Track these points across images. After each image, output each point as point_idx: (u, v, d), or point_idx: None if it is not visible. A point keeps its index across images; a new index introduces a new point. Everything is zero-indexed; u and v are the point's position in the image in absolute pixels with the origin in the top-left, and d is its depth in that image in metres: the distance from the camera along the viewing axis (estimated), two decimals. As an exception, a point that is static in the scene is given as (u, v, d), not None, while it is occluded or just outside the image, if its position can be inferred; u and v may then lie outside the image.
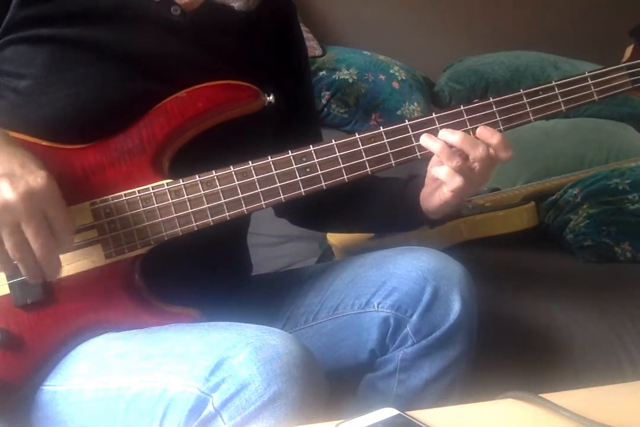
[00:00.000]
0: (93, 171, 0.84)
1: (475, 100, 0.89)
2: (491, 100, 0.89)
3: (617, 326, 1.29)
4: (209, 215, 0.84)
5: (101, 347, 0.81)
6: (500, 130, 0.88)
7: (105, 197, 0.83)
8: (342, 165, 0.86)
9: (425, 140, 0.86)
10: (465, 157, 0.85)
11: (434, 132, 0.87)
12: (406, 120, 0.88)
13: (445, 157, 0.85)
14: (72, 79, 0.86)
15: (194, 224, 0.84)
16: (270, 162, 0.85)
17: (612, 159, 2.04)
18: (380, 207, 1.04)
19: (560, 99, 0.90)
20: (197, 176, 0.84)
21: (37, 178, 0.72)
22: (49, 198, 0.73)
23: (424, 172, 0.93)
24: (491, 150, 0.86)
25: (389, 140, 0.87)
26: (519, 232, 1.51)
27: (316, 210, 1.07)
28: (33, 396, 0.81)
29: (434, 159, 0.90)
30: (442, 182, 0.87)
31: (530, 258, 1.58)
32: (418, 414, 0.64)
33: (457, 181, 0.85)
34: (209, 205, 0.84)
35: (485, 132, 0.86)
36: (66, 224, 0.75)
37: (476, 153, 0.85)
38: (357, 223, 1.12)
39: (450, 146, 0.85)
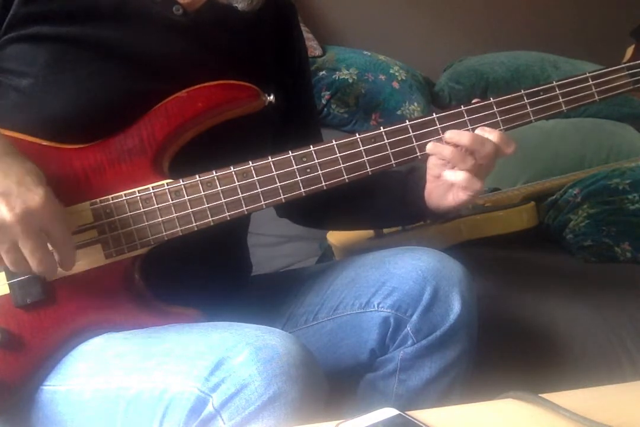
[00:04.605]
0: (93, 171, 0.84)
1: (475, 100, 0.89)
2: (492, 100, 0.89)
3: (617, 326, 1.29)
4: (209, 215, 0.84)
5: (101, 347, 0.81)
6: (501, 131, 0.88)
7: (105, 197, 0.83)
8: (342, 166, 0.86)
9: (434, 148, 0.87)
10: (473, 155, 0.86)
11: (435, 133, 0.87)
12: (406, 121, 0.88)
13: (460, 161, 0.85)
14: (74, 78, 0.86)
15: (194, 224, 0.84)
16: (271, 163, 0.85)
17: (612, 159, 2.04)
18: (383, 202, 1.04)
19: (561, 99, 0.90)
20: (197, 176, 0.84)
21: (34, 197, 0.72)
22: (47, 216, 0.72)
23: (422, 165, 0.94)
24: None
25: (389, 140, 0.87)
26: (519, 232, 1.52)
27: (318, 209, 1.06)
28: (33, 396, 0.81)
29: (433, 157, 0.90)
30: (459, 186, 0.88)
31: (530, 258, 1.58)
32: (418, 414, 0.64)
33: (476, 183, 0.86)
34: (209, 205, 0.84)
35: (484, 132, 0.87)
36: (65, 239, 0.75)
37: (484, 150, 0.85)
38: (359, 219, 1.12)
39: (457, 146, 0.86)
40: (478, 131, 0.87)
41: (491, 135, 0.86)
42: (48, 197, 0.73)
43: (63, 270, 0.78)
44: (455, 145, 0.86)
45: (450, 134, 0.87)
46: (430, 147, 0.87)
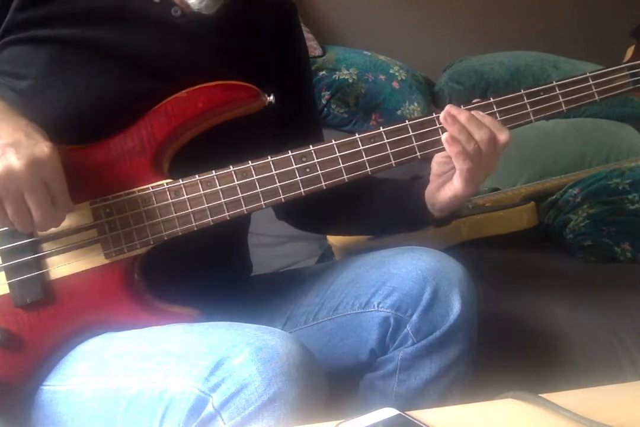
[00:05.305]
0: (93, 171, 0.84)
1: (476, 100, 0.89)
2: (492, 100, 0.89)
3: (617, 326, 1.29)
4: (209, 215, 0.84)
5: (101, 347, 0.81)
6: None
7: (105, 197, 0.83)
8: (342, 165, 0.86)
9: (451, 108, 0.86)
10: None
11: (435, 133, 0.87)
12: (406, 121, 0.88)
13: (476, 128, 0.85)
14: (73, 79, 0.86)
15: (194, 223, 0.84)
16: (270, 162, 0.85)
17: (612, 159, 2.04)
18: (383, 207, 1.04)
19: (561, 99, 0.90)
20: (196, 176, 0.84)
21: (43, 148, 0.74)
22: (51, 168, 0.75)
23: (424, 173, 0.93)
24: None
25: (389, 140, 0.87)
26: (519, 232, 1.52)
27: (317, 212, 1.06)
28: (33, 396, 0.81)
29: (438, 156, 0.89)
30: (452, 171, 0.88)
31: (530, 258, 1.58)
32: (418, 414, 0.64)
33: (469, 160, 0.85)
34: (209, 205, 0.84)
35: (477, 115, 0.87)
36: (65, 193, 0.77)
37: (480, 133, 0.85)
38: (358, 224, 1.12)
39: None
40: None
41: (484, 119, 0.86)
42: (54, 150, 0.75)
43: (53, 225, 0.78)
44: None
45: (450, 108, 0.86)
46: (448, 107, 0.86)
